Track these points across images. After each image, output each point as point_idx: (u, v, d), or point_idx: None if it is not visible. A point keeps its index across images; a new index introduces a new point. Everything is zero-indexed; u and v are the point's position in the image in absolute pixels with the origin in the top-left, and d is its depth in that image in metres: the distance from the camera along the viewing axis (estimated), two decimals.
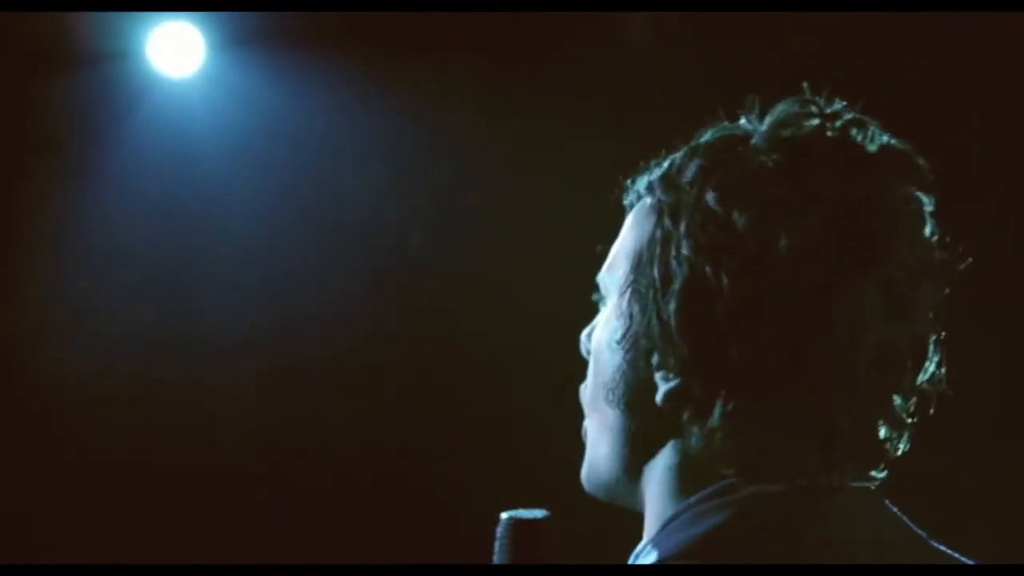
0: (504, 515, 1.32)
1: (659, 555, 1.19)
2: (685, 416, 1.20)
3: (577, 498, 1.40)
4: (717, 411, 1.18)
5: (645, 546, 1.23)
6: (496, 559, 1.31)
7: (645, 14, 3.85)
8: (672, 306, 1.19)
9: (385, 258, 4.38)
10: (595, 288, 1.35)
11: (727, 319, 1.17)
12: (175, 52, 4.22)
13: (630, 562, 1.23)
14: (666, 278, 1.20)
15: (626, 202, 1.32)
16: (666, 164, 1.27)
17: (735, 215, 1.18)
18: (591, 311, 1.37)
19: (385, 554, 4.10)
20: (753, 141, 1.22)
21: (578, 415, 1.37)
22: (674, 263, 1.20)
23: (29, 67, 4.12)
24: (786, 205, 1.17)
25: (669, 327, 1.19)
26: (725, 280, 1.17)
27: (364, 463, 4.36)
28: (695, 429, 1.20)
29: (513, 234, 4.23)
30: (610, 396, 1.26)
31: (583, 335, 1.35)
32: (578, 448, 1.36)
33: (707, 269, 1.18)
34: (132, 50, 4.20)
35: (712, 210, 1.19)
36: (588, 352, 1.34)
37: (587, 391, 1.32)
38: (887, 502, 1.24)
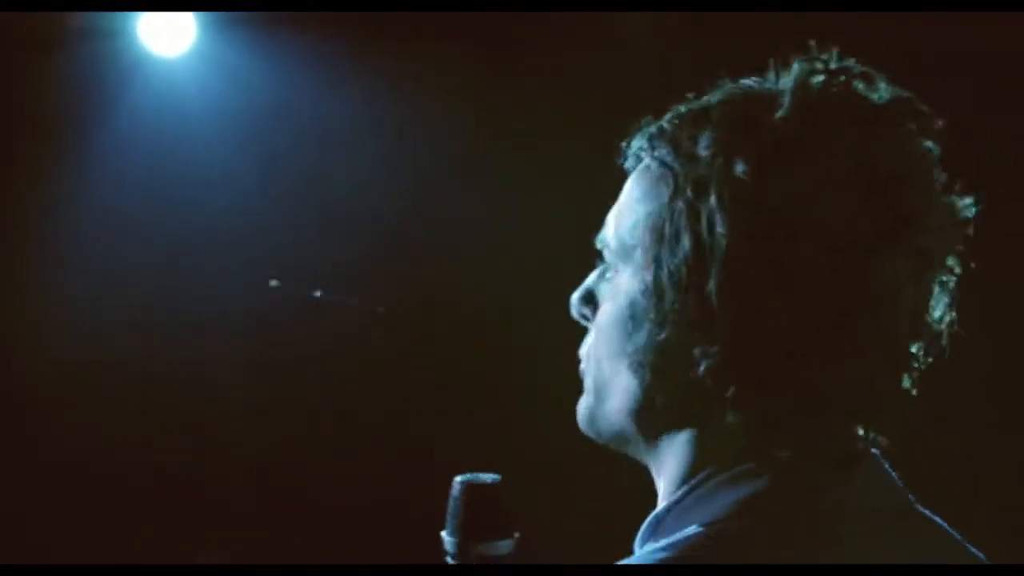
0: (457, 479, 1.34)
1: (700, 521, 1.19)
2: (731, 391, 1.20)
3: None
4: (764, 389, 1.18)
5: (671, 509, 1.23)
6: (449, 518, 1.33)
7: (640, 15, 3.84)
8: (712, 282, 1.18)
9: (376, 236, 4.38)
10: (597, 251, 1.33)
11: (768, 293, 1.16)
12: (166, 31, 4.19)
13: (651, 521, 1.24)
14: (700, 254, 1.19)
15: (626, 165, 1.30)
16: (668, 127, 1.25)
17: (768, 188, 1.17)
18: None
19: (380, 537, 4.13)
20: (773, 106, 1.21)
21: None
22: (708, 238, 1.18)
23: (20, 46, 4.08)
24: (817, 177, 1.17)
25: (710, 303, 1.18)
26: (763, 255, 1.16)
27: (358, 443, 4.39)
28: (740, 403, 1.20)
29: (505, 209, 4.23)
30: (636, 367, 1.26)
31: (574, 298, 1.34)
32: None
33: (745, 244, 1.17)
34: (123, 29, 4.17)
35: (742, 182, 1.17)
36: (583, 316, 1.33)
37: (590, 348, 1.32)
38: (885, 465, 1.26)
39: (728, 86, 1.25)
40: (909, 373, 1.22)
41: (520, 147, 4.11)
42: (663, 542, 1.18)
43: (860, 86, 1.22)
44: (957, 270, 1.24)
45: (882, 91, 1.22)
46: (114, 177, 4.31)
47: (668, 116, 1.25)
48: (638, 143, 1.27)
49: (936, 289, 1.23)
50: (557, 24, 3.94)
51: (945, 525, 1.29)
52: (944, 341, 1.25)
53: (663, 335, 1.23)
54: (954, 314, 1.25)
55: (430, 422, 4.32)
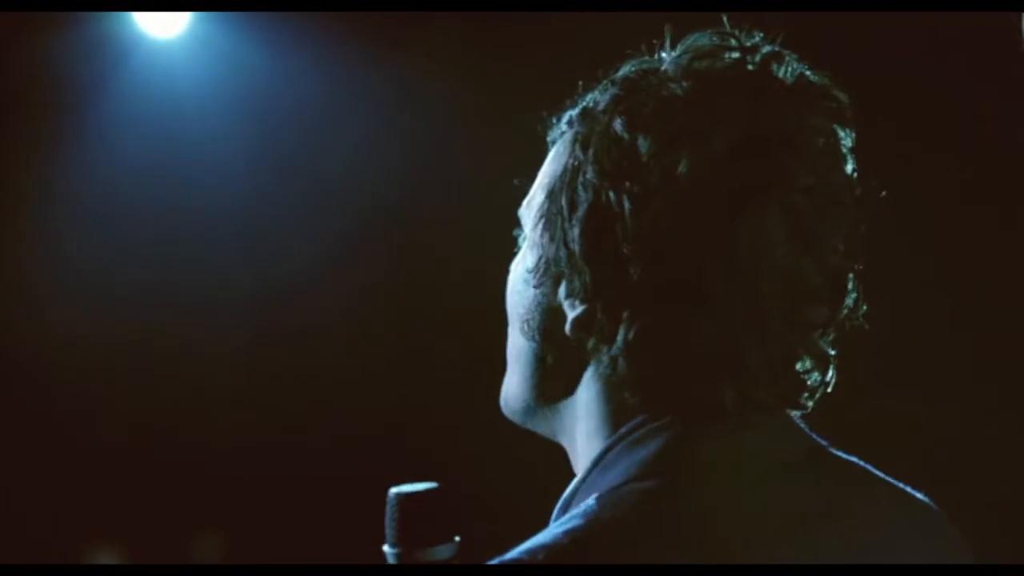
0: (391, 491, 1.36)
1: (608, 485, 1.18)
2: (590, 344, 1.21)
3: None
4: (619, 337, 1.18)
5: (579, 487, 1.23)
6: (387, 530, 1.35)
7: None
8: (575, 232, 1.19)
9: (371, 215, 4.38)
10: (517, 224, 1.35)
11: (629, 244, 1.17)
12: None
13: (560, 504, 1.24)
14: (572, 205, 1.20)
15: (549, 139, 1.32)
16: (587, 98, 1.27)
17: (639, 141, 1.17)
18: None
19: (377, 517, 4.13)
20: (664, 69, 1.22)
21: None
22: (580, 190, 1.20)
23: (14, 25, 4.06)
24: (690, 132, 1.17)
25: (574, 253, 1.20)
26: (627, 205, 1.16)
27: (355, 420, 4.38)
28: (602, 357, 1.20)
29: (497, 186, 4.23)
30: (524, 328, 1.27)
31: (512, 265, 1.35)
32: None
33: (610, 195, 1.18)
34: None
35: (617, 136, 1.19)
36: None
37: (509, 322, 1.33)
38: (797, 423, 1.25)
39: (639, 58, 1.26)
40: (794, 351, 1.20)
41: (520, 130, 4.11)
42: (564, 518, 1.18)
43: (771, 66, 1.21)
44: (859, 253, 1.22)
45: (790, 71, 1.22)
46: (107, 159, 4.30)
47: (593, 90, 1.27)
48: (563, 116, 1.30)
49: (838, 272, 1.21)
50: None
51: (865, 464, 1.28)
52: (850, 324, 1.23)
53: (540, 290, 1.24)
54: (862, 307, 1.23)
55: (430, 411, 4.33)
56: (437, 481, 1.36)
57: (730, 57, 1.21)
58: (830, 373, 1.23)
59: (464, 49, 4.17)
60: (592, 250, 1.19)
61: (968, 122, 3.66)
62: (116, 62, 4.24)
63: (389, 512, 1.35)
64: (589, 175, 1.20)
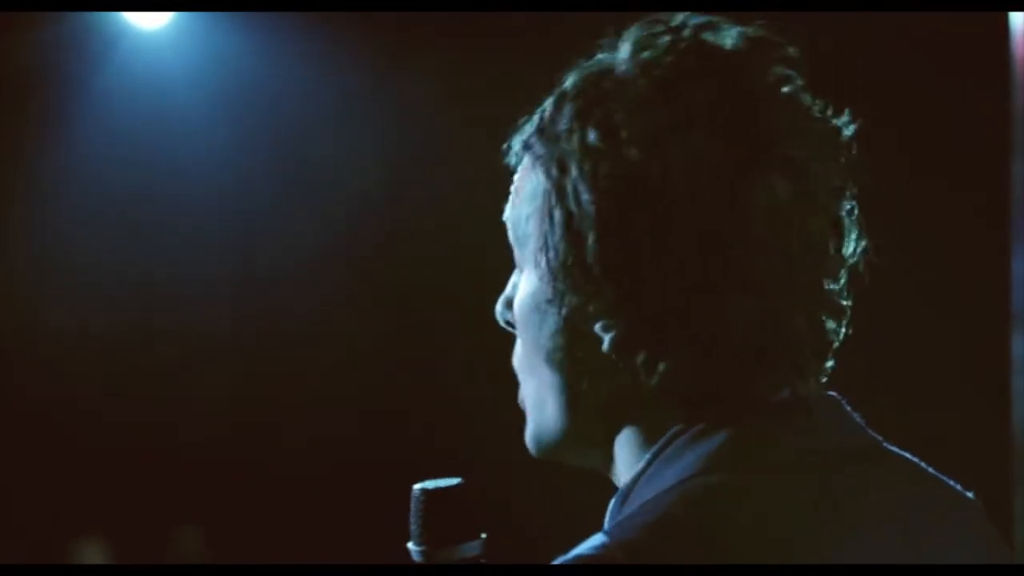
0: (415, 487, 1.32)
1: (675, 478, 1.16)
2: (639, 360, 1.18)
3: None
4: (668, 346, 1.17)
5: (638, 479, 1.20)
6: (412, 527, 1.32)
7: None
8: (589, 254, 1.17)
9: (357, 206, 4.38)
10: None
11: (646, 253, 1.15)
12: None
13: (619, 496, 1.22)
14: (573, 228, 1.18)
15: (511, 165, 1.30)
16: (535, 116, 1.25)
17: (624, 148, 1.16)
18: None
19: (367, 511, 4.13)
20: (617, 71, 1.20)
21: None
22: (577, 212, 1.18)
23: None
24: (668, 126, 1.16)
25: (594, 276, 1.17)
26: (632, 215, 1.15)
27: (342, 409, 4.39)
28: (653, 370, 1.18)
29: (486, 180, 4.22)
30: (550, 359, 1.24)
31: (498, 306, 1.32)
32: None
33: (612, 209, 1.16)
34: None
35: (600, 149, 1.17)
36: (508, 323, 1.31)
37: (519, 358, 1.29)
38: (846, 405, 1.24)
39: (581, 63, 1.24)
40: (821, 309, 1.19)
41: (507, 123, 4.11)
42: (631, 512, 1.16)
43: (707, 36, 1.21)
44: (853, 192, 1.22)
45: (728, 35, 1.21)
46: (93, 151, 4.29)
47: (538, 108, 1.25)
48: (517, 139, 1.27)
49: (839, 217, 1.21)
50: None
51: (918, 461, 1.27)
52: (860, 273, 1.22)
53: (564, 318, 1.21)
54: (865, 243, 1.22)
55: (422, 405, 4.33)
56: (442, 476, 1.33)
57: (668, 40, 1.20)
58: (846, 326, 1.22)
59: (449, 42, 4.16)
60: (610, 269, 1.17)
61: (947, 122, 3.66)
62: (101, 53, 4.23)
63: (413, 509, 1.31)
64: (584, 195, 1.17)
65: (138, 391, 4.36)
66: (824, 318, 1.19)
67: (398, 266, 4.40)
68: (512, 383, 1.29)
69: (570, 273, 1.19)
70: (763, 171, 1.15)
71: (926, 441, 1.25)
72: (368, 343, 4.41)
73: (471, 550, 1.31)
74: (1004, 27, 3.39)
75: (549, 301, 1.22)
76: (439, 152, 4.30)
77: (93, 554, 4.30)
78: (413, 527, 1.31)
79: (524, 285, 1.27)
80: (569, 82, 1.23)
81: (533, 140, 1.24)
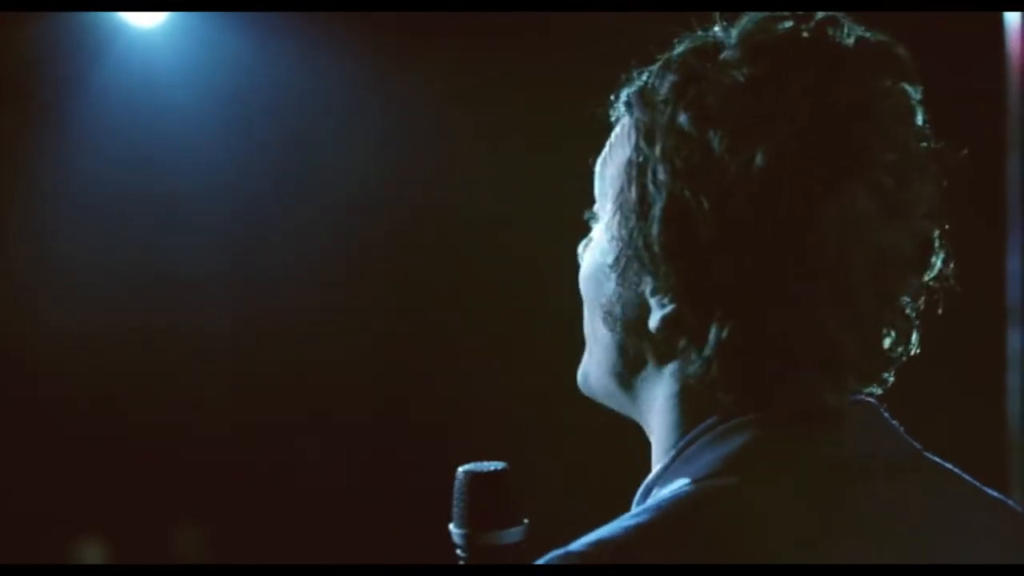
0: (460, 470, 1.32)
1: (690, 477, 1.17)
2: (681, 343, 1.19)
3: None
4: (712, 337, 1.17)
5: (661, 475, 1.21)
6: (455, 510, 1.32)
7: None
8: (655, 232, 1.18)
9: (355, 204, 4.38)
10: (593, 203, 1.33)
11: (711, 242, 1.15)
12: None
13: (642, 490, 1.23)
14: (647, 203, 1.18)
15: (612, 119, 1.29)
16: (644, 77, 1.24)
17: (710, 135, 1.15)
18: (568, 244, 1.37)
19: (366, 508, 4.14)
20: (724, 53, 1.19)
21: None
22: (652, 188, 1.18)
23: None
24: (760, 119, 1.14)
25: (656, 253, 1.18)
26: (705, 204, 1.15)
27: (342, 408, 4.39)
28: (692, 356, 1.19)
29: (485, 173, 4.23)
30: (607, 319, 1.25)
31: (580, 247, 1.33)
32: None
33: (686, 193, 1.16)
34: None
35: (686, 132, 1.16)
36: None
37: (585, 300, 1.31)
38: (884, 413, 1.23)
39: (694, 35, 1.23)
40: (879, 325, 1.19)
41: (511, 124, 4.11)
42: (647, 503, 1.17)
43: (828, 31, 1.19)
44: (943, 221, 1.20)
45: (849, 35, 1.19)
46: (89, 149, 4.29)
47: (648, 68, 1.25)
48: (624, 92, 1.26)
49: (924, 238, 1.19)
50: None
51: (961, 472, 1.26)
52: (938, 295, 1.22)
53: (621, 286, 1.23)
54: (950, 267, 1.21)
55: (429, 398, 4.33)
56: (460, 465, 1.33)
57: (786, 27, 1.18)
58: (913, 341, 1.22)
59: (444, 40, 4.16)
60: (674, 250, 1.17)
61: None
62: (96, 51, 4.22)
63: (457, 492, 1.31)
64: (661, 175, 1.17)
65: (137, 390, 4.36)
66: (883, 334, 1.19)
67: (398, 264, 4.40)
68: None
69: (634, 246, 1.20)
70: (849, 189, 1.14)
71: (921, 437, 1.24)
72: (368, 341, 4.41)
73: (513, 536, 1.32)
74: (999, 26, 3.40)
75: (611, 266, 1.23)
76: (432, 146, 4.31)
77: (93, 554, 4.30)
78: (456, 510, 1.31)
79: (595, 241, 1.28)
80: (678, 50, 1.22)
81: (634, 101, 1.23)
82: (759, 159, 1.13)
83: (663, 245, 1.17)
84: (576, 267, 1.34)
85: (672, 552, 1.11)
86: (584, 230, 1.34)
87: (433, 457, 4.16)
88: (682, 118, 1.17)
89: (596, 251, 1.27)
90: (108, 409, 4.34)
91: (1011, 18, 3.39)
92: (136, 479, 4.29)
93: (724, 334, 1.16)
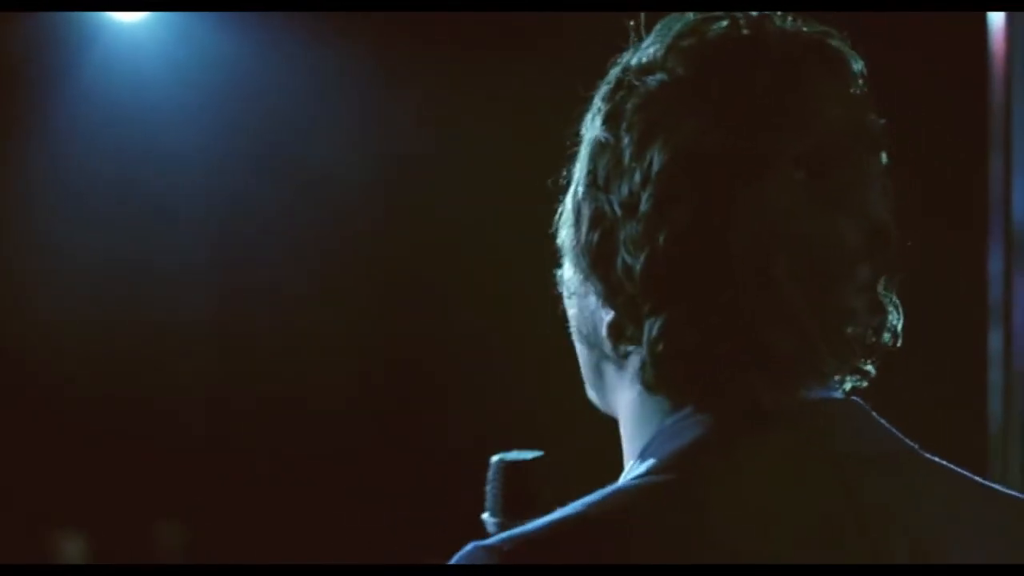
0: (495, 458, 1.31)
1: (635, 473, 1.16)
2: (623, 348, 1.19)
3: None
4: (644, 340, 1.16)
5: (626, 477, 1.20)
6: (489, 498, 1.31)
7: None
8: (583, 242, 1.19)
9: (339, 197, 4.38)
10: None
11: (629, 248, 1.15)
12: None
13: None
14: (578, 216, 1.20)
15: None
16: (593, 95, 1.24)
17: (624, 142, 1.15)
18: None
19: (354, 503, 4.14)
20: (643, 59, 1.18)
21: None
22: (581, 200, 1.20)
23: None
24: (666, 121, 1.13)
25: (589, 263, 1.19)
26: (617, 210, 1.15)
27: (328, 405, 4.39)
28: (635, 359, 1.19)
29: (474, 168, 4.24)
30: (577, 336, 1.26)
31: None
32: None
33: (603, 202, 1.16)
34: None
35: (602, 141, 1.17)
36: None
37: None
38: (863, 409, 1.19)
39: (637, 41, 1.22)
40: (836, 314, 1.15)
41: (495, 113, 4.12)
42: (587, 497, 1.15)
43: (762, 28, 1.16)
44: (888, 206, 1.17)
45: (784, 31, 1.17)
46: (75, 142, 4.29)
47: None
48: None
49: (872, 220, 1.15)
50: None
51: (961, 470, 1.23)
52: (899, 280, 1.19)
53: (582, 303, 1.23)
54: (901, 249, 1.18)
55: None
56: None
57: (716, 28, 1.16)
58: (890, 326, 1.18)
59: (432, 34, 4.17)
60: (598, 259, 1.18)
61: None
62: (82, 45, 4.22)
63: (492, 480, 1.30)
64: (580, 185, 1.20)
65: (122, 387, 4.36)
66: (836, 327, 1.15)
67: (383, 259, 4.41)
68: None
69: (575, 260, 1.21)
70: (749, 179, 1.12)
71: (902, 434, 1.24)
72: (355, 337, 4.41)
73: None
74: (982, 25, 3.41)
75: (569, 283, 1.25)
76: (417, 136, 4.32)
77: (74, 549, 4.29)
78: (491, 498, 1.30)
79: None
80: (613, 66, 1.22)
81: (581, 126, 1.24)
82: (656, 162, 1.13)
83: (590, 254, 1.18)
84: None
85: (596, 550, 1.09)
86: None
87: (426, 455, 4.19)
88: (602, 127, 1.17)
89: (565, 270, 1.28)
90: (90, 403, 4.33)
91: (993, 18, 3.41)
92: (120, 475, 4.29)
93: (657, 337, 1.15)
